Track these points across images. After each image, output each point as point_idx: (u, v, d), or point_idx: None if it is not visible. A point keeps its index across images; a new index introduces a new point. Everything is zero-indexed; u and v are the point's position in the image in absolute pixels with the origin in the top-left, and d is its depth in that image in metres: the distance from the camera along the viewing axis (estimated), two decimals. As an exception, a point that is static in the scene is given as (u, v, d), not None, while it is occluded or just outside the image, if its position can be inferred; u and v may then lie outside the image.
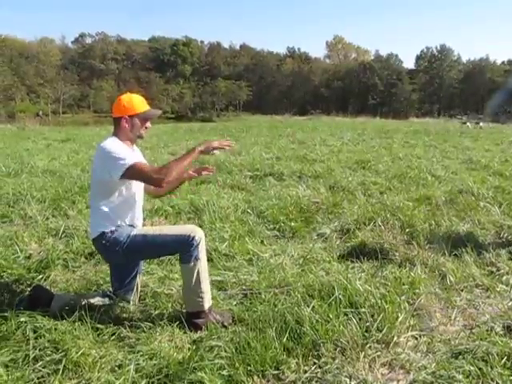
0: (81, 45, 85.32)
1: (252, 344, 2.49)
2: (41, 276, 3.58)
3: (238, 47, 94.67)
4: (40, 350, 2.51)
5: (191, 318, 2.86)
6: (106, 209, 2.91)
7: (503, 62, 74.36)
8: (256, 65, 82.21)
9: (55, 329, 2.68)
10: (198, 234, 2.89)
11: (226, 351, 2.49)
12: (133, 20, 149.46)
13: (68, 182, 7.01)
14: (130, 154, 2.87)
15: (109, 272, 3.32)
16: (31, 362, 2.43)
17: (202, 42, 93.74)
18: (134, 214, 3.06)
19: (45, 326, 2.71)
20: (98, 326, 2.77)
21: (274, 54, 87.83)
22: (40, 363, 2.41)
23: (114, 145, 2.86)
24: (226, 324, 2.85)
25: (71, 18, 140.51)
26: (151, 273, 3.58)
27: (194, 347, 2.61)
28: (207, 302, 2.89)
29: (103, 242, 2.90)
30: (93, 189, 3.06)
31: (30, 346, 2.51)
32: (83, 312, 2.80)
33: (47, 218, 5.16)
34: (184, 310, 2.96)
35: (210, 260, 3.86)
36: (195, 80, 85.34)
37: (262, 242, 4.47)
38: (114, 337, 2.70)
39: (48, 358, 2.44)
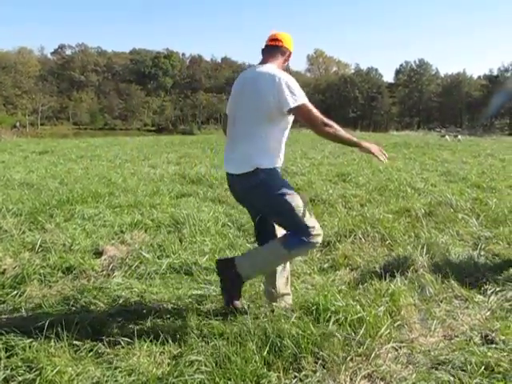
0: (60, 56, 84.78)
1: (232, 358, 2.47)
2: (15, 292, 3.49)
3: (219, 60, 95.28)
4: (12, 369, 2.43)
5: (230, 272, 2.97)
6: (266, 142, 2.87)
7: (479, 77, 76.23)
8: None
9: (29, 346, 2.61)
10: (319, 238, 2.93)
11: (206, 366, 2.46)
12: (114, 32, 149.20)
13: (46, 195, 6.89)
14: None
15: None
16: (1, 383, 2.36)
17: (183, 54, 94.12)
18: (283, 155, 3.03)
19: (18, 345, 2.64)
20: (75, 342, 2.71)
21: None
22: (12, 384, 2.33)
23: (287, 76, 2.85)
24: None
25: (51, 30, 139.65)
26: (130, 287, 3.52)
27: (174, 362, 2.57)
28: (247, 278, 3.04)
29: (252, 180, 2.86)
30: (249, 116, 2.91)
31: (1, 366, 2.44)
32: (59, 328, 2.74)
33: (23, 232, 5.05)
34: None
35: (190, 274, 3.86)
36: (176, 93, 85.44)
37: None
38: (91, 353, 2.64)
39: (21, 378, 2.37)
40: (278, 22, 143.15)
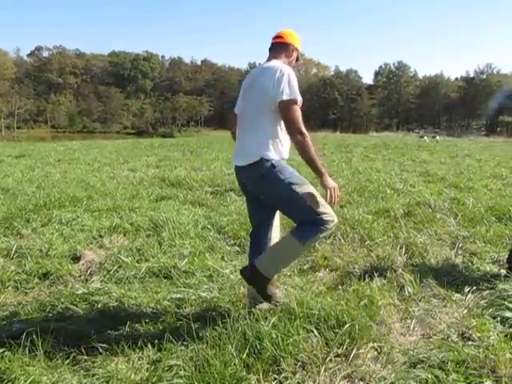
0: (37, 58, 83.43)
1: (211, 361, 2.45)
2: (-11, 299, 3.42)
3: (199, 62, 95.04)
4: (-19, 382, 2.37)
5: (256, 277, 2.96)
6: (270, 133, 2.88)
7: (456, 78, 77.58)
8: (217, 80, 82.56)
9: (1, 357, 2.56)
10: (332, 224, 2.91)
11: (184, 370, 2.45)
12: (92, 34, 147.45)
13: (22, 200, 6.77)
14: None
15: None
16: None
17: (162, 56, 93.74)
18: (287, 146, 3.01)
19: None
20: (51, 350, 2.66)
21: (236, 69, 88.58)
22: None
23: (290, 70, 2.87)
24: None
25: (27, 32, 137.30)
26: (108, 292, 3.47)
27: (153, 367, 2.55)
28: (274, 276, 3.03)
29: (259, 170, 2.86)
30: (253, 109, 2.95)
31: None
32: (35, 336, 2.69)
33: (-2, 238, 4.95)
34: None
35: (169, 277, 3.83)
36: (156, 95, 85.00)
37: (222, 257, 4.43)
38: (68, 361, 2.60)
39: (-9, 391, 2.31)
40: (260, 23, 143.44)
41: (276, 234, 3.26)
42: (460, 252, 4.71)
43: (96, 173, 10.72)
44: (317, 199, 2.89)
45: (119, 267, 4.08)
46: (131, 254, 4.42)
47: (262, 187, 2.96)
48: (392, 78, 78.84)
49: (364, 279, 3.79)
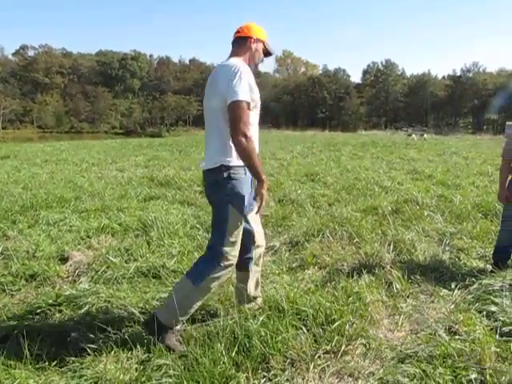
0: (22, 57, 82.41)
1: (200, 360, 2.45)
2: (-26, 302, 3.38)
3: (187, 61, 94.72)
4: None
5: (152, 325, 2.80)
6: (226, 138, 2.70)
7: (443, 77, 78.13)
8: (206, 79, 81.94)
9: (-15, 361, 2.53)
10: (231, 264, 2.81)
11: (173, 369, 2.44)
12: (79, 33, 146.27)
13: (8, 201, 6.70)
14: (254, 86, 2.73)
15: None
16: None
17: (151, 56, 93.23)
18: None
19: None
20: (38, 352, 2.63)
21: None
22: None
23: (244, 67, 2.71)
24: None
25: (11, 31, 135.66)
26: (96, 293, 3.45)
27: (142, 367, 2.54)
28: (174, 324, 2.81)
29: (215, 176, 2.75)
30: (214, 112, 2.80)
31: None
32: (21, 339, 2.66)
33: (-17, 240, 4.90)
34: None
35: (158, 277, 3.81)
36: (144, 95, 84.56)
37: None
38: (55, 363, 2.58)
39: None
40: (247, 21, 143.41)
41: (261, 242, 3.18)
42: (447, 248, 4.76)
43: (84, 173, 10.65)
44: (235, 233, 2.79)
45: (107, 268, 4.05)
46: (120, 254, 4.40)
47: (212, 192, 2.86)
48: (380, 76, 79.16)
49: (352, 276, 3.82)
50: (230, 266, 2.83)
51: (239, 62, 2.75)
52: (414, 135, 31.77)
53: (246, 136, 2.60)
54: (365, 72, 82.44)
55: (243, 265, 3.04)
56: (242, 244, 2.91)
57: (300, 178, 9.21)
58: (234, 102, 2.60)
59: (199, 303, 2.86)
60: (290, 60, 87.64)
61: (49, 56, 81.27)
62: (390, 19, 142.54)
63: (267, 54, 3.08)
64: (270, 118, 69.88)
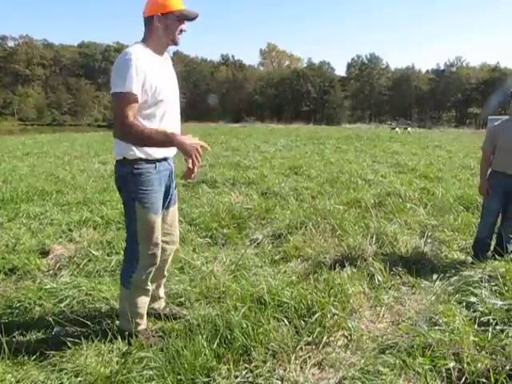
0: (2, 48, 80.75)
1: (182, 352, 2.44)
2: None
3: (171, 54, 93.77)
4: None
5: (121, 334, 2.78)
6: None
7: (427, 71, 78.75)
8: (190, 72, 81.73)
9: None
10: (152, 263, 2.70)
11: (155, 361, 2.43)
12: (60, 24, 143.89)
13: (-13, 195, 6.58)
14: (149, 66, 2.43)
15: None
16: None
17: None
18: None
19: None
20: (17, 347, 2.60)
21: (208, 61, 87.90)
22: None
23: (130, 57, 2.37)
24: None
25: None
26: (77, 286, 3.41)
27: (123, 360, 2.53)
28: (132, 328, 2.77)
29: (121, 170, 2.57)
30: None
31: None
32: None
33: (-39, 234, 4.81)
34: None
35: (140, 270, 3.77)
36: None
37: (193, 249, 4.42)
38: (34, 357, 2.55)
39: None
40: (232, 14, 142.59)
41: (174, 239, 3.01)
42: (429, 240, 4.82)
43: (66, 166, 10.51)
44: (148, 230, 2.62)
45: (89, 261, 4.02)
46: (101, 247, 4.36)
47: (119, 188, 2.67)
48: (364, 70, 79.45)
49: (335, 268, 3.84)
50: (152, 265, 2.71)
51: (134, 49, 2.44)
52: (397, 129, 32.00)
53: (124, 127, 2.35)
54: (349, 65, 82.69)
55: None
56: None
57: (284, 171, 9.22)
58: (112, 95, 2.39)
59: (145, 301, 2.79)
60: (274, 53, 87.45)
61: (29, 47, 79.79)
62: (375, 12, 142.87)
63: (188, 19, 2.61)
64: (254, 112, 69.84)
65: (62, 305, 3.15)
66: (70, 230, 4.97)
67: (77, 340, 2.66)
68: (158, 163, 2.60)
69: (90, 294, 3.30)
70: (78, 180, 8.07)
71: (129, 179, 2.54)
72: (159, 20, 2.49)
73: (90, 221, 5.20)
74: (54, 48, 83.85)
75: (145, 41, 2.55)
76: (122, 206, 2.72)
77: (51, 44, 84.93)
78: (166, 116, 2.60)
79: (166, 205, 2.80)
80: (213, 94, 70.87)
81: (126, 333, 2.74)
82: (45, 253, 4.25)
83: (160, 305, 3.10)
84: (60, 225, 5.09)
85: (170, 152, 2.70)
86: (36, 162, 11.40)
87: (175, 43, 2.60)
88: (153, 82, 2.45)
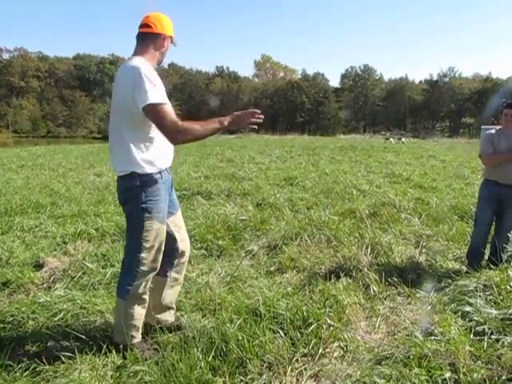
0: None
1: (177, 365, 2.43)
2: None
3: (166, 66, 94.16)
4: None
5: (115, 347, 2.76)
6: (134, 143, 2.55)
7: (421, 81, 79.27)
8: (185, 84, 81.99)
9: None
10: (150, 271, 2.71)
11: (150, 375, 2.42)
12: (56, 37, 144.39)
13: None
14: (162, 88, 2.55)
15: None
16: None
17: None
18: (166, 154, 2.72)
19: None
20: (9, 362, 2.57)
21: (203, 72, 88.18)
22: None
23: (148, 68, 2.50)
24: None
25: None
26: (72, 299, 3.39)
27: (118, 374, 2.51)
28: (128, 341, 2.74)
29: (127, 183, 2.60)
30: (116, 116, 2.64)
31: None
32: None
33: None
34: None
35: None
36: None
37: (189, 261, 4.39)
38: (27, 372, 2.52)
39: None
40: (225, 27, 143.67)
41: (185, 248, 3.03)
42: (424, 250, 4.82)
43: (61, 178, 10.48)
44: (151, 239, 2.66)
45: (84, 273, 4.00)
46: (96, 259, 4.34)
47: (126, 200, 2.70)
48: (358, 81, 79.85)
49: (330, 279, 3.84)
50: (151, 271, 2.72)
51: (144, 63, 2.54)
52: (392, 139, 32.09)
53: (177, 130, 2.46)
54: (343, 76, 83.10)
55: (161, 269, 2.85)
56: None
57: (279, 182, 9.22)
58: (153, 106, 2.43)
59: (141, 312, 2.77)
60: (268, 64, 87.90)
61: (24, 59, 79.80)
62: (366, 26, 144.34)
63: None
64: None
65: (56, 318, 3.12)
66: (64, 242, 4.95)
67: (71, 354, 2.64)
68: (162, 173, 2.67)
69: (85, 308, 3.28)
70: (72, 192, 8.04)
71: (138, 191, 2.59)
72: (165, 40, 2.67)
73: (84, 233, 5.18)
74: (48, 60, 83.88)
75: (144, 55, 2.62)
76: (126, 218, 2.75)
77: (46, 56, 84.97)
78: None
79: (170, 211, 2.85)
80: (214, 96, 71.13)
81: (121, 346, 2.71)
82: (39, 266, 4.22)
83: (171, 318, 3.07)
84: (54, 237, 5.07)
85: (169, 161, 2.77)
86: (30, 175, 11.36)
87: (160, 63, 2.77)
88: (165, 94, 2.57)
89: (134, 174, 2.57)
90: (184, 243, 2.99)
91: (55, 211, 6.40)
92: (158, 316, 2.99)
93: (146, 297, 2.78)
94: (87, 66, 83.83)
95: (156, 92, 2.45)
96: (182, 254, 2.97)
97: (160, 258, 2.75)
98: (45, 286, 3.86)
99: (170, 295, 3.02)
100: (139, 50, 2.64)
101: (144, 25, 2.65)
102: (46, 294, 3.58)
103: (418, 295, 3.70)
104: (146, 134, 2.58)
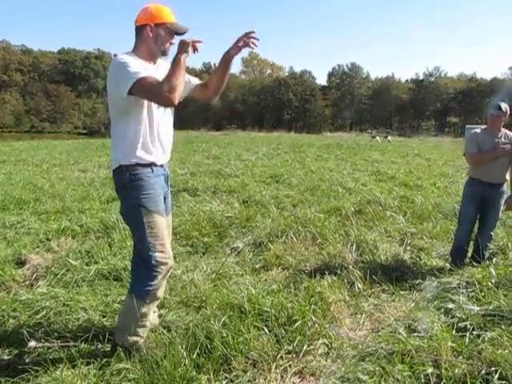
0: (-23, 53, 79.31)
1: (161, 363, 2.42)
2: None
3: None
4: None
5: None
6: (123, 137, 2.54)
7: (407, 80, 79.83)
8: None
9: None
10: (168, 264, 2.65)
11: (133, 373, 2.40)
12: (40, 30, 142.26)
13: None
14: (143, 68, 2.46)
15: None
16: None
17: (115, 55, 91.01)
18: (158, 149, 2.65)
19: None
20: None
21: (190, 69, 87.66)
22: None
23: (128, 57, 2.48)
24: None
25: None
26: (55, 296, 3.35)
27: (101, 372, 2.48)
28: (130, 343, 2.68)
29: (119, 178, 2.57)
30: (110, 112, 2.65)
31: None
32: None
33: None
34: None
35: (119, 279, 3.74)
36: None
37: (174, 258, 4.36)
38: (7, 371, 2.49)
39: None
40: (211, 23, 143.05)
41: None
42: (408, 248, 4.87)
43: (44, 174, 10.36)
44: (159, 234, 2.62)
45: (67, 270, 3.95)
46: (80, 256, 4.30)
47: (121, 197, 2.68)
48: (345, 79, 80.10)
49: (315, 277, 3.85)
50: (168, 268, 2.69)
51: (124, 56, 2.53)
52: (378, 137, 32.28)
53: (164, 90, 2.35)
54: (330, 74, 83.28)
55: None
56: None
57: (265, 180, 9.23)
58: (139, 81, 2.37)
59: (152, 311, 2.75)
60: (256, 61, 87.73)
61: (7, 52, 78.49)
62: (353, 25, 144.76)
63: (178, 33, 2.68)
64: (236, 120, 69.87)
65: (38, 316, 3.09)
66: (47, 239, 4.89)
67: (53, 352, 2.61)
68: (154, 167, 2.63)
69: (68, 305, 3.25)
70: (56, 188, 7.95)
71: (129, 186, 2.56)
72: (151, 30, 2.57)
73: (68, 230, 5.12)
74: (32, 54, 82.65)
75: (134, 51, 2.61)
76: (128, 214, 2.69)
77: (30, 50, 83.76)
78: (164, 121, 2.70)
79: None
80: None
81: (122, 346, 2.65)
82: (21, 263, 4.17)
83: (155, 320, 3.00)
84: (37, 234, 5.01)
85: (165, 159, 2.76)
86: (13, 170, 11.21)
87: (164, 53, 2.67)
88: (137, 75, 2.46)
89: (123, 168, 2.55)
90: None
91: (38, 207, 6.32)
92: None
93: (160, 293, 2.75)
94: (72, 61, 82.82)
95: (136, 71, 2.39)
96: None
97: (170, 251, 2.70)
98: (27, 283, 3.81)
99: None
100: (134, 45, 2.65)
101: (134, 21, 2.64)
102: (27, 291, 3.53)
103: (402, 292, 3.73)
104: (136, 128, 2.55)
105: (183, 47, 2.48)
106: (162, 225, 2.65)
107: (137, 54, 2.58)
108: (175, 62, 2.44)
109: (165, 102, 2.43)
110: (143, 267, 2.62)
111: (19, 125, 70.57)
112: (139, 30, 2.60)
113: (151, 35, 2.58)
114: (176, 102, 2.42)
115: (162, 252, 2.60)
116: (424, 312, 3.26)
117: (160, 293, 2.71)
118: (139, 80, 2.36)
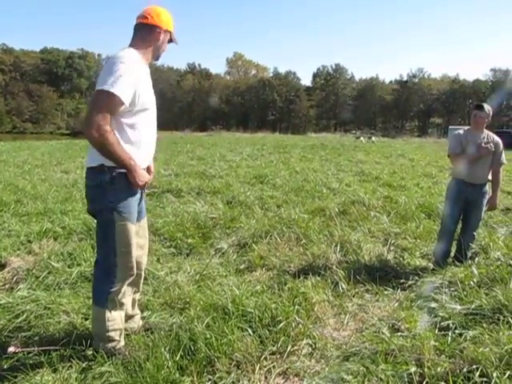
0: (-44, 51, 77.92)
1: (144, 365, 2.39)
2: None
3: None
4: None
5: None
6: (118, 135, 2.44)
7: (391, 81, 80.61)
8: (156, 80, 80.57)
9: None
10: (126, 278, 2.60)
11: (115, 376, 2.37)
12: (21, 29, 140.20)
13: None
14: (132, 77, 2.37)
15: None
16: None
17: (99, 55, 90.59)
18: (141, 152, 2.59)
19: None
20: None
21: (174, 69, 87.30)
22: None
23: (130, 58, 2.40)
24: None
25: None
26: (36, 300, 3.29)
27: (82, 376, 2.44)
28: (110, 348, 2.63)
29: (97, 177, 2.47)
30: None
31: None
32: None
33: None
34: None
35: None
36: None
37: (158, 259, 4.36)
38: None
39: None
40: (197, 23, 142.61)
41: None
42: (392, 248, 4.91)
43: (26, 175, 10.20)
44: (126, 241, 2.55)
45: (49, 273, 3.88)
46: (62, 258, 4.24)
47: (94, 197, 2.55)
48: (330, 80, 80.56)
49: (299, 277, 3.85)
50: (130, 276, 2.64)
51: (131, 56, 2.46)
52: (362, 138, 32.53)
53: (99, 129, 2.28)
54: (315, 75, 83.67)
55: None
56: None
57: (249, 180, 9.22)
58: (99, 91, 2.32)
59: (122, 315, 2.69)
60: (240, 62, 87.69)
61: (-12, 52, 77.36)
62: (339, 27, 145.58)
63: (170, 41, 2.74)
64: (220, 120, 69.79)
65: (19, 320, 3.02)
66: (29, 241, 4.81)
67: (34, 357, 2.57)
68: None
69: (49, 308, 3.19)
70: (38, 190, 7.83)
71: (107, 188, 2.46)
72: (162, 33, 2.61)
73: (50, 231, 5.05)
74: (14, 53, 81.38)
75: (137, 47, 2.55)
76: (96, 218, 2.59)
77: (11, 49, 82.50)
78: (149, 125, 2.65)
79: (137, 217, 2.70)
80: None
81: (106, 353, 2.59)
82: (1, 266, 4.09)
83: (137, 323, 2.96)
84: (18, 236, 4.92)
85: (148, 162, 2.75)
86: (-7, 171, 11.03)
87: (158, 59, 2.73)
88: (143, 90, 2.49)
89: (104, 167, 2.43)
90: (144, 252, 2.90)
91: (20, 209, 6.21)
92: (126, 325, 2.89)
93: (125, 299, 2.68)
94: (55, 61, 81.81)
95: (114, 80, 2.30)
96: (139, 263, 2.80)
97: (134, 260, 2.63)
98: (7, 286, 3.74)
99: (131, 304, 2.90)
100: (133, 41, 2.59)
101: (141, 16, 2.59)
102: (7, 295, 3.46)
103: (386, 292, 3.76)
104: (120, 127, 2.46)
105: (141, 183, 2.53)
106: (132, 232, 2.58)
107: (140, 52, 2.55)
108: (127, 167, 2.42)
109: (86, 128, 2.33)
110: (103, 273, 2.57)
111: (0, 125, 69.51)
112: (147, 28, 2.57)
113: (160, 39, 2.61)
114: (89, 137, 2.34)
115: (126, 259, 2.56)
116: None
117: (123, 298, 2.64)
118: (108, 92, 2.30)
